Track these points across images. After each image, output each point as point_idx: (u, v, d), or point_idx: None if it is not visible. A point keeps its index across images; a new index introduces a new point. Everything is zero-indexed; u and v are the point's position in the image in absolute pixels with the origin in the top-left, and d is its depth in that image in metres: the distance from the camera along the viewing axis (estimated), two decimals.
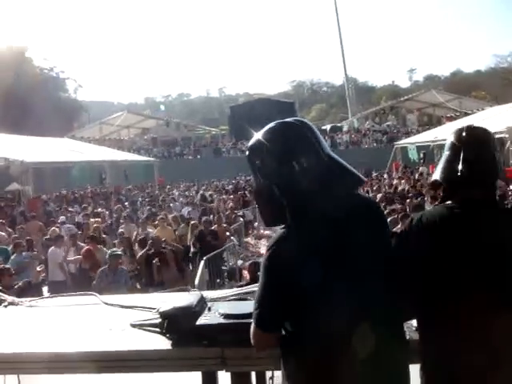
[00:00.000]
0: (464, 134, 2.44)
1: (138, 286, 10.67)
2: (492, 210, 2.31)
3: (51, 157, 24.03)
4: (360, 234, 2.09)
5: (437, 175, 2.49)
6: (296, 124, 2.24)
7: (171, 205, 19.75)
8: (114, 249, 10.34)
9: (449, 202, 2.38)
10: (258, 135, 2.25)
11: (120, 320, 3.05)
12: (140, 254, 10.99)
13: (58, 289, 9.26)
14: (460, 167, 2.33)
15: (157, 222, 13.65)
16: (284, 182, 2.13)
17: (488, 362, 2.07)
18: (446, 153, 2.49)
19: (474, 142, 2.40)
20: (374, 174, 29.16)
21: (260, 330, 2.19)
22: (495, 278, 2.13)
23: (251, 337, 2.23)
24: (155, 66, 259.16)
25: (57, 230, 12.95)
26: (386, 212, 12.56)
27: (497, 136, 20.86)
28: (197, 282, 9.60)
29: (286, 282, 2.06)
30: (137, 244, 12.04)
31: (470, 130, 2.48)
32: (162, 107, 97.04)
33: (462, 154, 2.36)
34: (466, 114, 39.81)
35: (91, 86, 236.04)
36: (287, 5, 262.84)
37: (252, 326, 2.22)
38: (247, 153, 2.28)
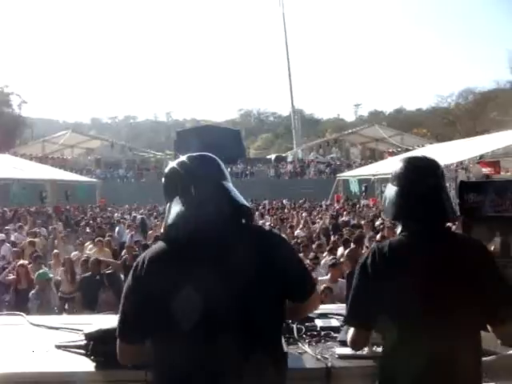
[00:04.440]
0: (409, 165, 2.59)
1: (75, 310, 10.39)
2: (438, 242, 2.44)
3: None
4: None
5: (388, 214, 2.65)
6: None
7: (117, 228, 19.32)
8: (42, 270, 10.07)
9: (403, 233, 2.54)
10: (173, 163, 2.43)
11: (45, 341, 3.03)
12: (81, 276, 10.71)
13: None
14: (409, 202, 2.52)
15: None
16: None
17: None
18: (395, 188, 2.61)
19: (420, 175, 2.54)
20: (324, 203, 29.37)
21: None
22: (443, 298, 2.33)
23: None
24: (103, 87, 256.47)
25: None
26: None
27: None
28: None
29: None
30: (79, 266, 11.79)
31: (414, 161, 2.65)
32: None
33: (409, 188, 2.53)
34: (407, 150, 40.77)
35: (37, 102, 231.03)
36: (238, 34, 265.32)
37: None
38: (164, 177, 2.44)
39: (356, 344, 2.59)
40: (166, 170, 2.44)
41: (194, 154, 2.43)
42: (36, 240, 14.66)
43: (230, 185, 2.37)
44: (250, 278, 2.10)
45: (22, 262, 10.54)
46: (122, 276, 10.68)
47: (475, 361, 2.38)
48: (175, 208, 2.27)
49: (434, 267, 2.35)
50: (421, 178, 2.51)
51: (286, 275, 2.23)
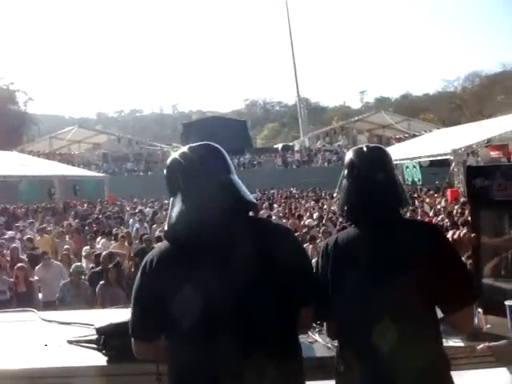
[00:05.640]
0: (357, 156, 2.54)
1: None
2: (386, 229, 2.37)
3: None
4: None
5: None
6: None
7: (131, 221, 19.33)
8: (79, 264, 10.20)
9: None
10: (175, 154, 2.32)
11: (57, 336, 3.05)
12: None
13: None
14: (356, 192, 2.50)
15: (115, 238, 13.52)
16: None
17: None
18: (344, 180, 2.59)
19: (369, 165, 2.49)
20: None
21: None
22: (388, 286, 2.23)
23: None
24: (108, 81, 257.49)
25: None
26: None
27: (443, 157, 21.34)
28: None
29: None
30: (83, 259, 11.92)
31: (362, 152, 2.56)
32: None
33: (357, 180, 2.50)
34: (414, 136, 40.66)
35: (42, 99, 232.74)
36: (242, 24, 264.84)
37: None
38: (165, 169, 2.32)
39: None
40: (168, 161, 2.32)
41: (197, 144, 2.32)
42: (46, 236, 14.74)
43: (235, 177, 2.26)
44: (255, 278, 2.04)
45: (20, 264, 10.34)
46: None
47: (432, 351, 2.29)
48: (178, 205, 2.18)
49: (376, 255, 2.30)
50: (365, 168, 2.48)
51: (289, 273, 2.15)
